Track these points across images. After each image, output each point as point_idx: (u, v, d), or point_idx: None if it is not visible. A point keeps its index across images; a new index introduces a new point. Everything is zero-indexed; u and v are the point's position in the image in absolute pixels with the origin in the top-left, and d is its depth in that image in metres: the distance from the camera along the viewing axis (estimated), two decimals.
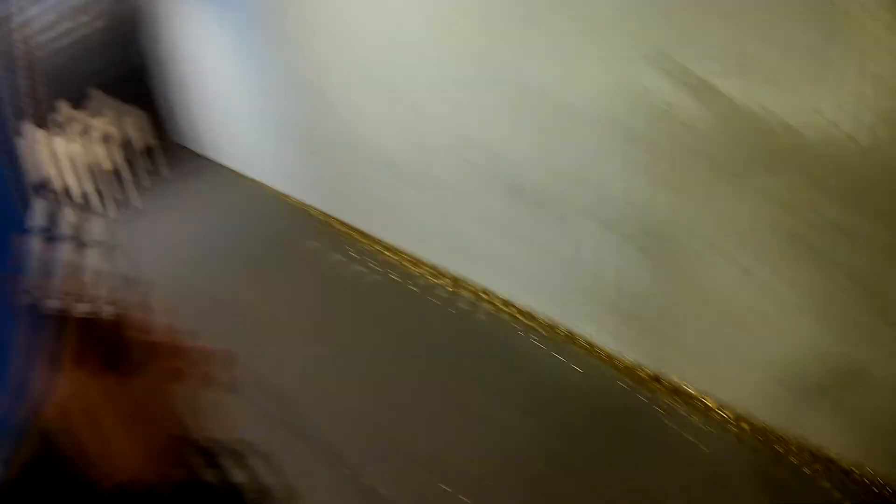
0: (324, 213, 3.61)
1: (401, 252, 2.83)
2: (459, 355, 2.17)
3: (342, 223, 3.39)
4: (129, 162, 4.28)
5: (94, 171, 3.90)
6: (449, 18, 1.97)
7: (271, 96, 3.46)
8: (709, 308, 1.64)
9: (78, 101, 3.92)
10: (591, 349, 2.04)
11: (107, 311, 0.36)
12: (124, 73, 4.63)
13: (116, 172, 4.13)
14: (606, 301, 1.91)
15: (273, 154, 3.84)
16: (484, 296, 2.38)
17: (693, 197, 1.54)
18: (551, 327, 2.15)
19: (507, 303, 2.30)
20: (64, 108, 3.86)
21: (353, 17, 2.37)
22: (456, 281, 2.51)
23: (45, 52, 4.39)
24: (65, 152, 3.76)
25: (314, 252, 3.22)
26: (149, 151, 4.50)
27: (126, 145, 4.20)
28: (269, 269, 3.27)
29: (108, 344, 0.35)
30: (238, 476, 0.39)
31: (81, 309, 0.36)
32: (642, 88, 1.49)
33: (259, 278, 3.16)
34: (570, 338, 2.09)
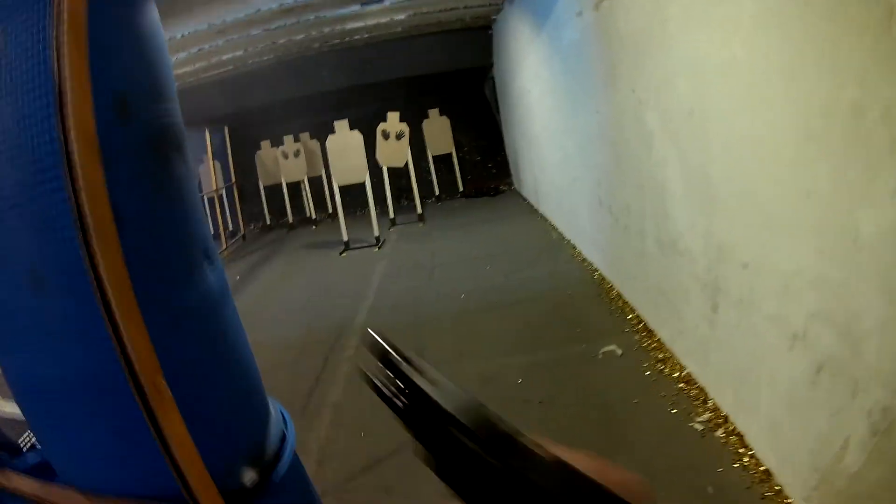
0: (611, 286, 3.71)
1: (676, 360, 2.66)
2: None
3: (627, 303, 3.39)
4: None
5: None
6: None
7: (597, 175, 3.60)
8: None
9: None
10: None
11: None
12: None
13: None
14: None
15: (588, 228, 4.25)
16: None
17: None
18: None
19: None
20: None
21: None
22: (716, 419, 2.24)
23: None
24: None
25: (587, 317, 3.37)
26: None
27: None
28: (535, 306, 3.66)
29: None
30: None
31: None
32: None
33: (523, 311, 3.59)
34: None
